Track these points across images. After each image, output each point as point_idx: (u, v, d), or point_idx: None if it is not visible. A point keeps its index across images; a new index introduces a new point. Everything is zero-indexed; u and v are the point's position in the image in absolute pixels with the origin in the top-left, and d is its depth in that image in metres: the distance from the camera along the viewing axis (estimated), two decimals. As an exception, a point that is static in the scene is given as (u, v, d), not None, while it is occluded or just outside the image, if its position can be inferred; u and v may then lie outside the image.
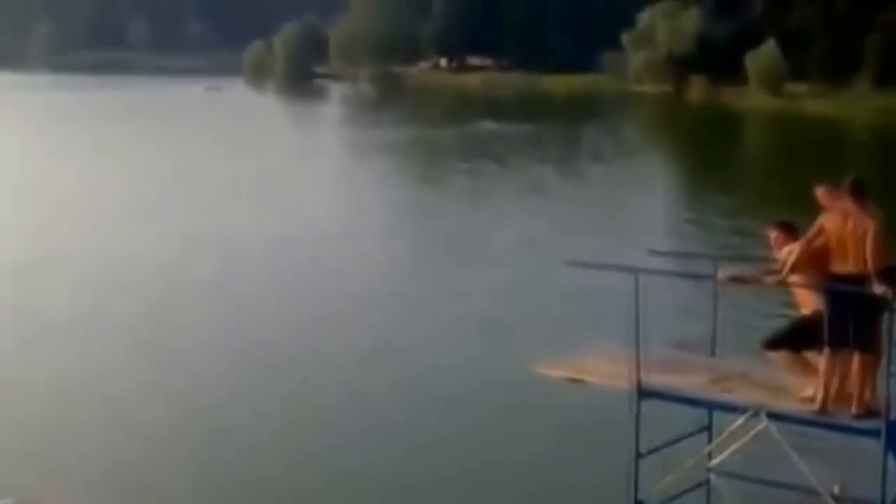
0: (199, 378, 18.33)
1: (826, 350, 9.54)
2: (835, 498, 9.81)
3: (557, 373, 10.96)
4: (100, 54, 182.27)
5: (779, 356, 9.99)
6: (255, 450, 15.15)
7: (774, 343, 10.03)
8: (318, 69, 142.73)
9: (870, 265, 9.30)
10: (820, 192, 10.00)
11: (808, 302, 9.94)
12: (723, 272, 10.62)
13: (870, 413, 9.39)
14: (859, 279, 9.33)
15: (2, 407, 16.94)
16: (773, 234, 10.30)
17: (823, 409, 9.55)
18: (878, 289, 9.17)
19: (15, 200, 37.75)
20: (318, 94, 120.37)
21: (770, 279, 10.05)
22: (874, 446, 9.20)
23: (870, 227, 9.40)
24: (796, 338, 9.84)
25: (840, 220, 9.54)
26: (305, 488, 14.01)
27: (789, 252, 9.92)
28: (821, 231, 9.60)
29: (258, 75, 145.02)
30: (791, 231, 10.16)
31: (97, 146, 58.24)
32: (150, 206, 37.48)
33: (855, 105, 74.33)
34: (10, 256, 27.80)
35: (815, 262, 9.68)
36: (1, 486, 13.21)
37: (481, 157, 53.12)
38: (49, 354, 19.62)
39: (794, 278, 9.85)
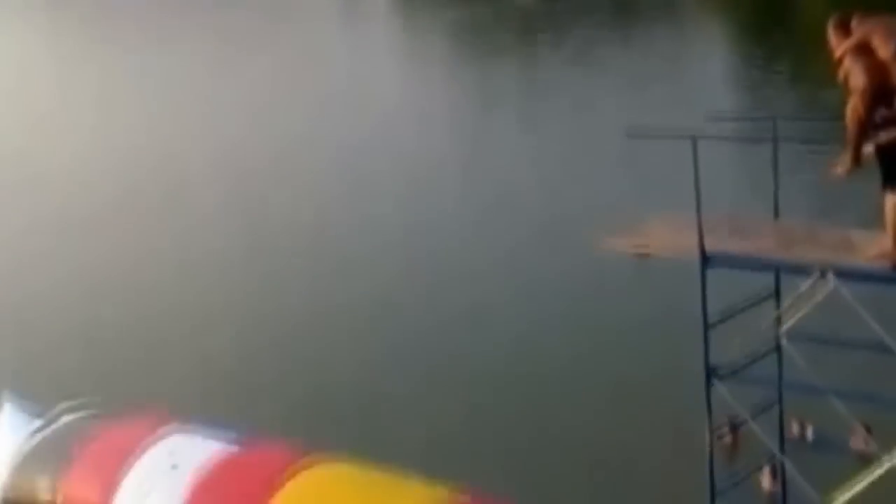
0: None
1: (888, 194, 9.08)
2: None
3: (620, 244, 10.79)
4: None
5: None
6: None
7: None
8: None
9: None
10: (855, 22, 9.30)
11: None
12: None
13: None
14: None
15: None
16: (832, 36, 9.49)
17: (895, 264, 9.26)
18: None
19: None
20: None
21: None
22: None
23: None
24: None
25: None
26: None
27: (843, 51, 9.22)
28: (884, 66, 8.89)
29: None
30: (845, 26, 9.41)
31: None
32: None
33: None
34: None
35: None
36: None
37: (529, 30, 52.24)
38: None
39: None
